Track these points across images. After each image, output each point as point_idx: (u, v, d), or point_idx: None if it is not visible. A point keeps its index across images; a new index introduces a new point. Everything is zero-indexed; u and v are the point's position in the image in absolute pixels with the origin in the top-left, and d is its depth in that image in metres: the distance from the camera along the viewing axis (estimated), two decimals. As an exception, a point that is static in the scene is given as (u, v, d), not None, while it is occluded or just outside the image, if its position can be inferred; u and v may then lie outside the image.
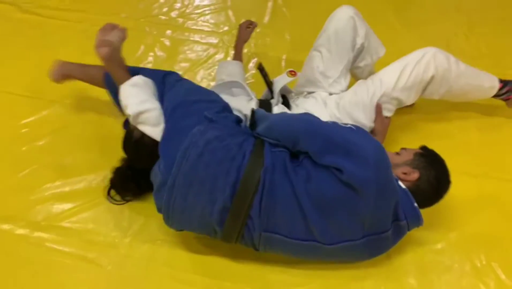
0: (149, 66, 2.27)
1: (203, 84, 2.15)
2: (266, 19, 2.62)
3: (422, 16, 2.69)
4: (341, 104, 1.70)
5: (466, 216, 1.66)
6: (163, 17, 2.61)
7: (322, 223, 1.28)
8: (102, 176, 1.73)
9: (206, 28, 2.55)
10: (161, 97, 1.57)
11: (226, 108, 1.56)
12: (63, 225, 1.61)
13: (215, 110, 1.48)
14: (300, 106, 1.76)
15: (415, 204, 1.35)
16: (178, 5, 2.69)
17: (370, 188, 1.23)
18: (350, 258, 1.44)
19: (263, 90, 1.89)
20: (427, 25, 2.58)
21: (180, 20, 2.60)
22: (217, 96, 1.62)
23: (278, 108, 1.72)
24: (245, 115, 1.63)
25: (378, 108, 1.67)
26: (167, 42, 2.46)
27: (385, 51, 1.83)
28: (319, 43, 1.76)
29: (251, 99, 1.73)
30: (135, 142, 1.52)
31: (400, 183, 1.37)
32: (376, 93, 1.66)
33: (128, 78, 1.55)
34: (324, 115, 1.62)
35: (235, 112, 1.61)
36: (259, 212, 1.30)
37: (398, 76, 1.64)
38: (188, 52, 2.42)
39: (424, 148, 1.51)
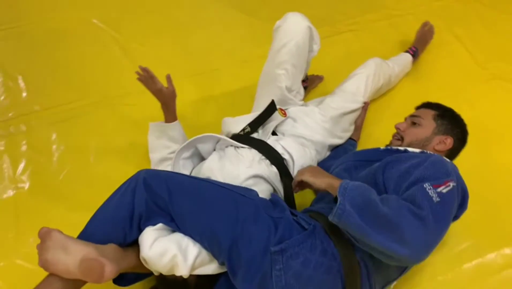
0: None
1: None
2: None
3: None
4: (327, 117, 1.69)
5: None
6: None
7: None
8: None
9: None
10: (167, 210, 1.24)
11: (264, 205, 1.28)
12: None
13: (270, 233, 1.20)
14: (287, 133, 1.63)
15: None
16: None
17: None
18: None
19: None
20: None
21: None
22: (242, 192, 1.30)
23: (271, 141, 1.58)
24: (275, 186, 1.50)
25: (366, 106, 1.78)
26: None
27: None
28: (281, 60, 1.62)
29: (247, 148, 1.53)
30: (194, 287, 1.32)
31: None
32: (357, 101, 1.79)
33: (136, 254, 1.22)
34: (318, 133, 1.65)
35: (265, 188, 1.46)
36: (368, 284, 1.26)
37: (365, 87, 1.80)
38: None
39: (431, 105, 1.57)
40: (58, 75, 2.14)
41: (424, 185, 1.14)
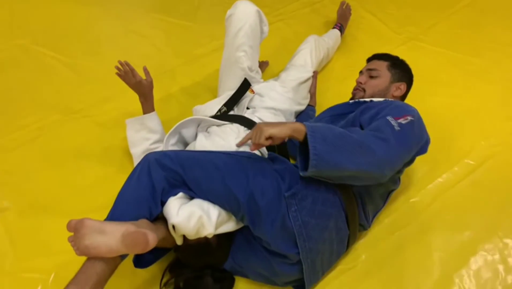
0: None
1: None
2: None
3: None
4: (288, 88, 1.90)
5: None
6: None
7: None
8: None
9: None
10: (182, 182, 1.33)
11: (266, 162, 1.43)
12: None
13: (279, 182, 1.33)
14: (258, 107, 1.80)
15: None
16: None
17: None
18: None
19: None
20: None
21: None
22: (244, 154, 1.42)
23: (248, 115, 1.75)
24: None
25: (315, 74, 2.01)
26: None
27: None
28: (239, 43, 1.79)
29: (229, 124, 1.68)
30: (216, 247, 1.42)
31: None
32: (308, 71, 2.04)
33: (164, 226, 1.31)
34: (284, 103, 1.85)
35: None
36: (363, 213, 1.50)
37: (310, 59, 2.08)
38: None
39: (382, 56, 1.77)
40: (9, 104, 2.12)
41: (387, 117, 1.34)
